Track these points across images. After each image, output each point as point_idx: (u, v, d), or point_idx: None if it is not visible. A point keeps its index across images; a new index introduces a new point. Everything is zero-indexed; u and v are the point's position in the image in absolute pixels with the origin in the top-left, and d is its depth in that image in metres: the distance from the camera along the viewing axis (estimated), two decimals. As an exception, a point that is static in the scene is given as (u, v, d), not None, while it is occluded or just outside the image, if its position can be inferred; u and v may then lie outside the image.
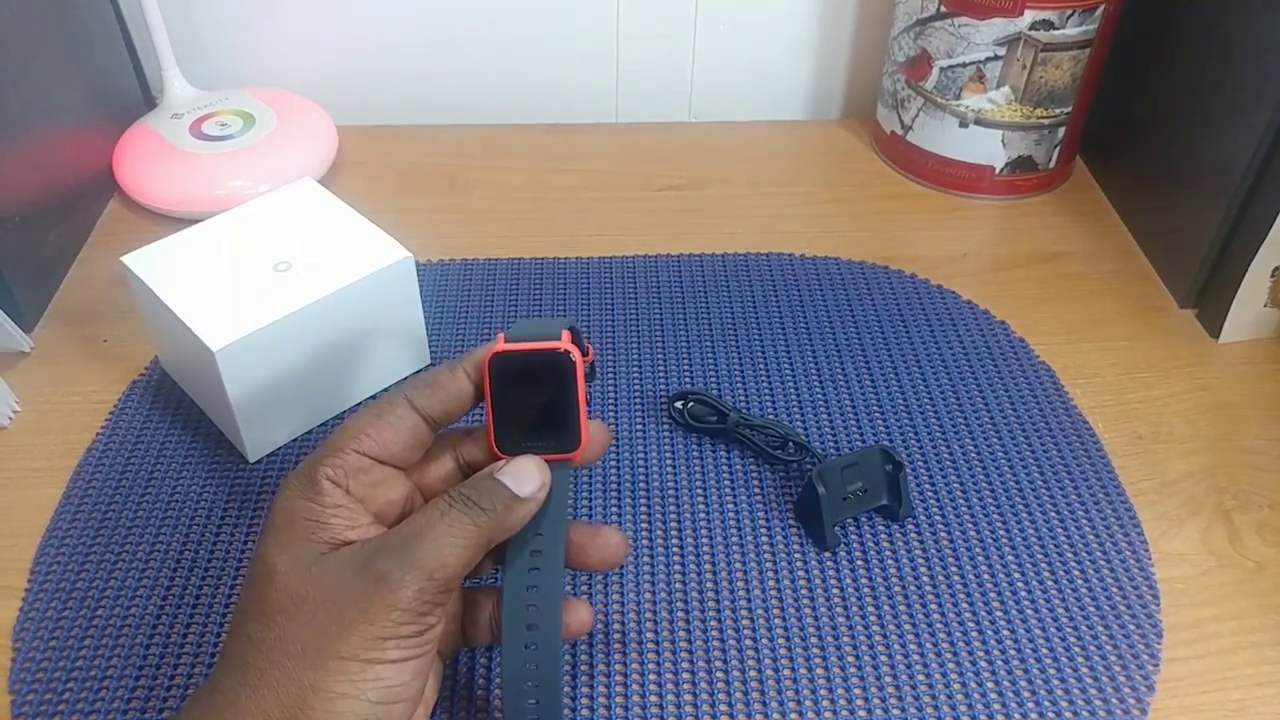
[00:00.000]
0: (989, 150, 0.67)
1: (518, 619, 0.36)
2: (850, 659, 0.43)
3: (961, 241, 0.66)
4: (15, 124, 0.59)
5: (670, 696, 0.41)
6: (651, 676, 0.42)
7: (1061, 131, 0.67)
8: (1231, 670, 0.43)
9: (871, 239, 0.66)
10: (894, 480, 0.48)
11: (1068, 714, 0.41)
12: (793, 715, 0.41)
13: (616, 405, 0.54)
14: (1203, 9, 0.59)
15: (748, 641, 0.43)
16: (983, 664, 0.43)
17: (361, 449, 0.36)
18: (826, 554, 0.47)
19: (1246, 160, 0.55)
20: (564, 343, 0.37)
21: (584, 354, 0.38)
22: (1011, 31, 0.62)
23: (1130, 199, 0.68)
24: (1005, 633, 0.44)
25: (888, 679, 0.42)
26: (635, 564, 0.46)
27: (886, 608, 0.45)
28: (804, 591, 0.45)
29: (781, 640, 0.43)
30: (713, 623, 0.44)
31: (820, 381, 0.55)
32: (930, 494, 0.49)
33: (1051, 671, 0.42)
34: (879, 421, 0.53)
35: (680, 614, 0.44)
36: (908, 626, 0.44)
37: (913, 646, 0.43)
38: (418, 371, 0.56)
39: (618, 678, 0.42)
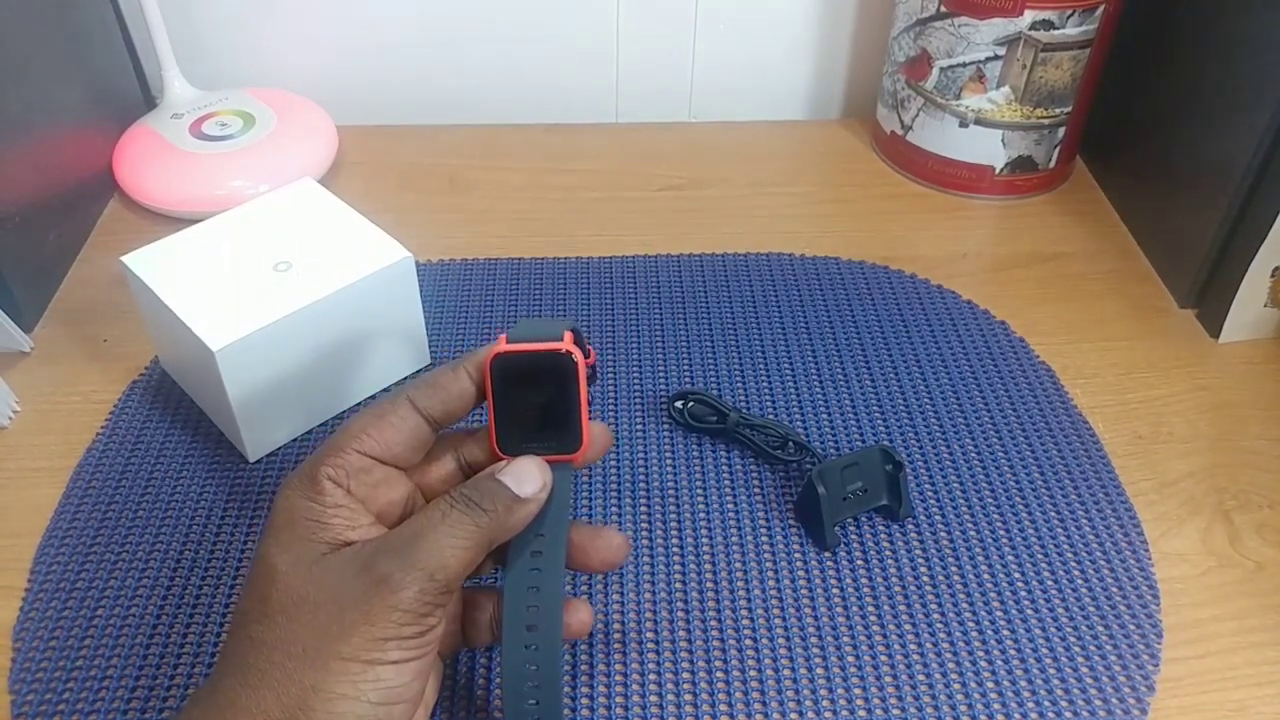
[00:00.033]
0: (989, 150, 0.67)
1: (518, 620, 0.36)
2: (850, 659, 0.43)
3: (961, 241, 0.66)
4: (15, 124, 0.59)
5: (670, 696, 0.41)
6: (651, 676, 0.42)
7: (1061, 131, 0.67)
8: (1231, 670, 0.43)
9: (871, 239, 0.66)
10: (894, 480, 0.48)
11: (1068, 714, 0.41)
12: (793, 715, 0.41)
13: (616, 405, 0.54)
14: (1203, 9, 0.59)
15: (748, 641, 0.43)
16: (983, 664, 0.43)
17: (363, 449, 0.36)
18: (826, 554, 0.47)
19: (1246, 160, 0.55)
20: (566, 343, 0.37)
21: (585, 356, 0.38)
22: (1011, 31, 0.62)
23: (1130, 199, 0.68)
24: (1005, 633, 0.44)
25: (888, 679, 0.42)
26: (635, 564, 0.46)
27: (886, 608, 0.45)
28: (804, 591, 0.45)
29: (781, 640, 0.43)
30: (713, 623, 0.44)
31: (820, 381, 0.55)
32: (930, 494, 0.49)
33: (1051, 671, 0.42)
34: (879, 421, 0.53)
35: (680, 614, 0.44)
36: (908, 626, 0.44)
37: (913, 646, 0.43)
38: (418, 372, 0.56)
39: (618, 678, 0.42)
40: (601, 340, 0.58)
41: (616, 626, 0.44)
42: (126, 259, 0.50)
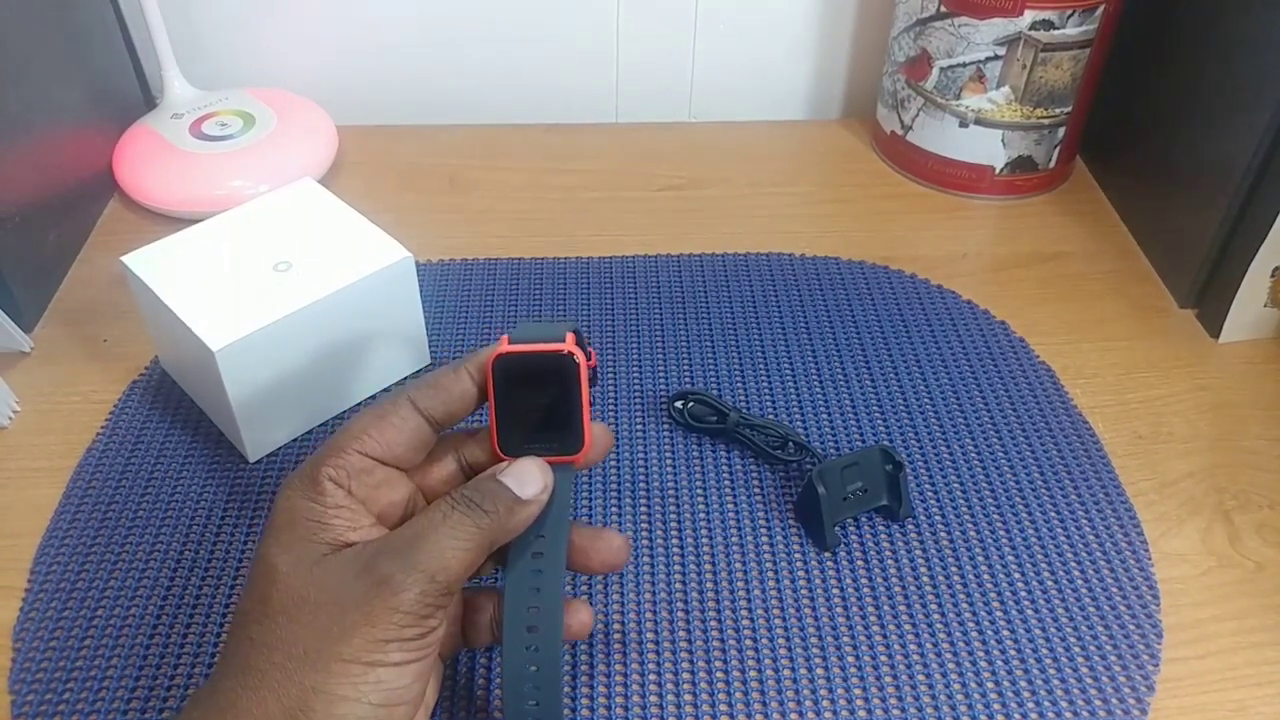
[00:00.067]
0: (989, 150, 0.67)
1: (519, 621, 0.36)
2: (850, 659, 0.43)
3: (961, 241, 0.66)
4: (15, 124, 0.59)
5: (670, 696, 0.41)
6: (651, 677, 0.42)
7: (1061, 131, 0.67)
8: (1231, 670, 0.43)
9: (871, 239, 0.66)
10: (894, 480, 0.48)
11: (1068, 714, 0.41)
12: (793, 715, 0.41)
13: (616, 405, 0.54)
14: (1203, 9, 0.59)
15: (748, 641, 0.43)
16: (983, 664, 0.43)
17: (364, 449, 0.36)
18: (826, 554, 0.47)
19: (1246, 160, 0.55)
20: (568, 344, 0.37)
21: (587, 359, 0.38)
22: (1011, 31, 0.62)
23: (1130, 199, 0.68)
24: (1005, 633, 0.44)
25: (888, 679, 0.42)
26: (635, 564, 0.46)
27: (886, 608, 0.45)
28: (804, 591, 0.45)
29: (781, 640, 0.43)
30: (713, 623, 0.44)
31: (820, 381, 0.55)
32: (930, 494, 0.49)
33: (1051, 671, 0.42)
34: (879, 421, 0.53)
35: (680, 614, 0.44)
36: (908, 626, 0.44)
37: (913, 646, 0.43)
38: (418, 372, 0.56)
39: (618, 678, 0.42)
40: (601, 340, 0.58)
41: (616, 627, 0.44)
42: (126, 259, 0.50)
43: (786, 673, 0.42)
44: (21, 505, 0.49)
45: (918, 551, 0.47)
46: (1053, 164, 0.68)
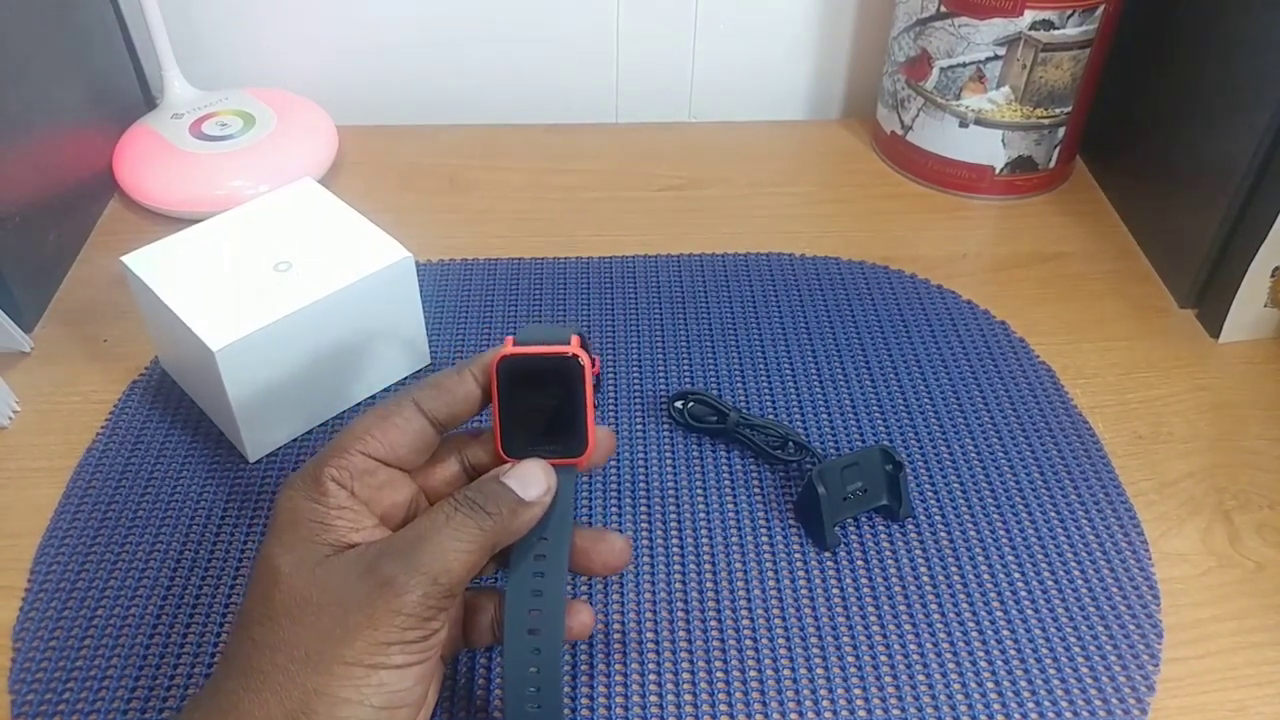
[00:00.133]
0: (989, 150, 0.67)
1: (520, 623, 0.36)
2: (850, 659, 0.43)
3: (961, 241, 0.66)
4: (15, 124, 0.59)
5: (670, 696, 0.41)
6: (651, 677, 0.42)
7: (1061, 131, 0.67)
8: (1231, 670, 0.43)
9: (871, 239, 0.66)
10: (894, 480, 0.48)
11: (1068, 714, 0.41)
12: (793, 715, 0.41)
13: (616, 405, 0.54)
14: (1203, 9, 0.59)
15: (748, 641, 0.43)
16: (983, 664, 0.43)
17: (367, 450, 0.36)
18: (826, 554, 0.47)
19: (1246, 160, 0.55)
20: (573, 347, 0.37)
21: (590, 363, 0.38)
22: (1011, 31, 0.62)
23: (1130, 199, 0.68)
24: (1005, 633, 0.44)
25: (888, 679, 0.42)
26: (635, 564, 0.46)
27: (886, 608, 0.45)
28: (804, 591, 0.45)
29: (781, 640, 0.43)
30: (713, 623, 0.44)
31: (820, 381, 0.55)
32: (930, 494, 0.49)
33: (1051, 671, 0.42)
34: (879, 421, 0.53)
35: (680, 614, 0.44)
36: (908, 626, 0.44)
37: (913, 646, 0.43)
38: (418, 372, 0.56)
39: (618, 678, 0.42)
40: (601, 340, 0.58)
41: (617, 627, 0.44)
42: (126, 259, 0.50)
43: (786, 673, 0.42)
44: (21, 505, 0.49)
45: (918, 551, 0.47)
46: (1053, 164, 0.69)
